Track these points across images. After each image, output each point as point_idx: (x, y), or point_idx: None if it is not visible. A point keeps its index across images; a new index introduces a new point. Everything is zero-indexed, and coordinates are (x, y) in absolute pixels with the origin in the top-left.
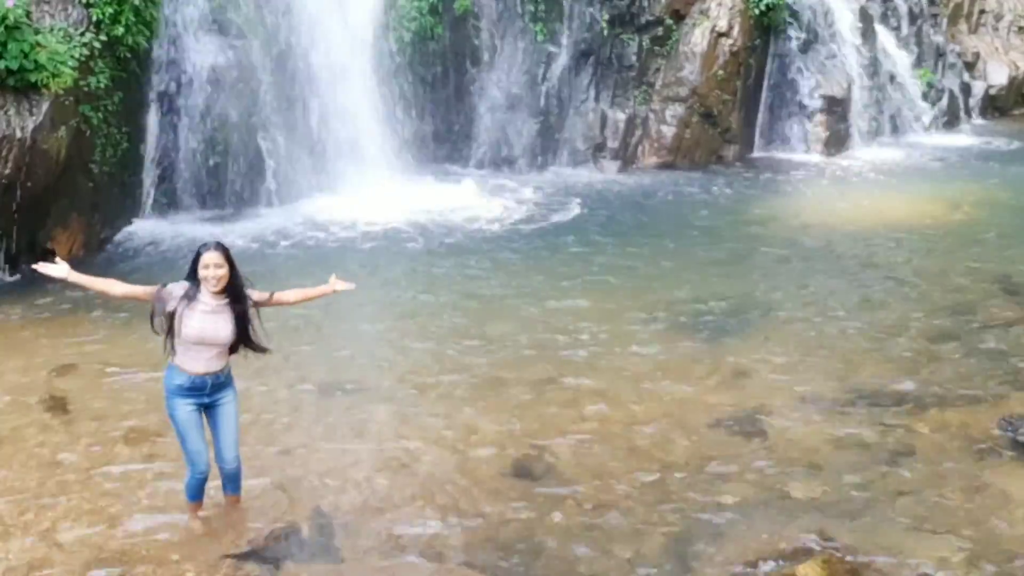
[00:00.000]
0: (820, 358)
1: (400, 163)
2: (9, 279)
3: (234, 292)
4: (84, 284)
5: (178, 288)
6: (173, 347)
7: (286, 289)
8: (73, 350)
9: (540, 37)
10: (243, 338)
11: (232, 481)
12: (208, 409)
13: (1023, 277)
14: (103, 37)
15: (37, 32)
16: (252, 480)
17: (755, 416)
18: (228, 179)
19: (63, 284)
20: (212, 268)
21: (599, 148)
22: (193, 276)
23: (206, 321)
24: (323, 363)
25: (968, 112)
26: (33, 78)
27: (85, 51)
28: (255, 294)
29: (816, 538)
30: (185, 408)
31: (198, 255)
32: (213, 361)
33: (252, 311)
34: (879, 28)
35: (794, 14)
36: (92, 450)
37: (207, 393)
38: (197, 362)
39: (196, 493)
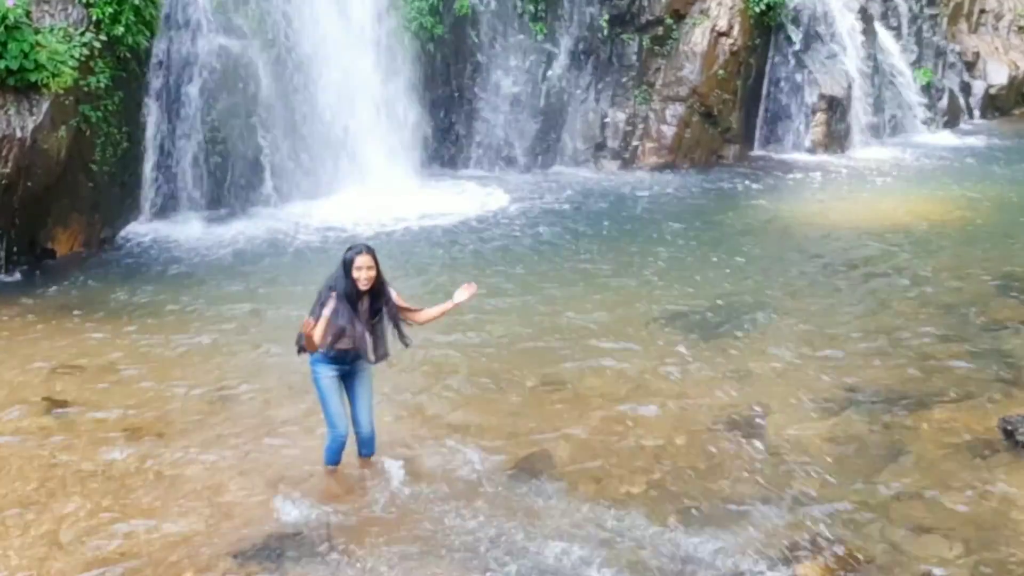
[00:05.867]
0: (820, 358)
1: (400, 163)
2: (9, 279)
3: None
4: None
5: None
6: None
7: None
8: (73, 350)
9: (540, 37)
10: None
11: (367, 444)
12: (347, 378)
13: (1023, 277)
14: (103, 37)
15: (37, 32)
16: (250, 480)
17: (755, 416)
18: (228, 179)
19: (63, 284)
20: (364, 270)
21: (599, 148)
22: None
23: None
24: None
25: (968, 112)
26: (33, 78)
27: (85, 51)
28: (397, 299)
29: (816, 538)
30: (328, 375)
31: (351, 259)
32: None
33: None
34: (879, 28)
35: (794, 14)
36: (92, 450)
37: (348, 362)
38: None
39: (335, 457)
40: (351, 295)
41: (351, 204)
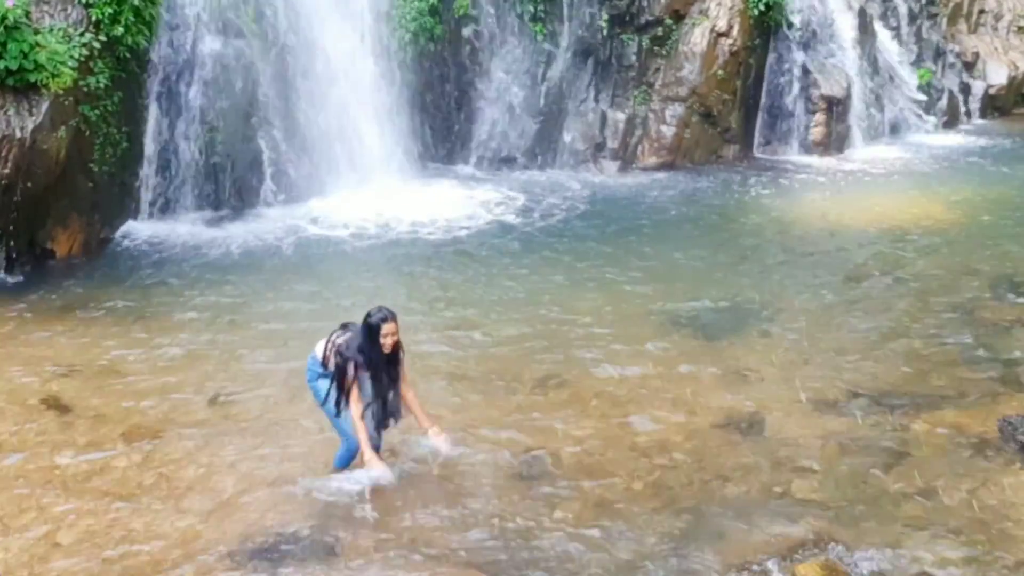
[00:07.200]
0: (820, 358)
1: (399, 163)
2: (8, 279)
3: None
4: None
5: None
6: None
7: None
8: (73, 350)
9: (540, 37)
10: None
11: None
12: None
13: (1023, 277)
14: (103, 37)
15: (37, 32)
16: (250, 481)
17: (755, 416)
18: (227, 179)
19: (62, 284)
20: (390, 336)
21: (599, 148)
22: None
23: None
24: None
25: (968, 112)
26: (33, 78)
27: (85, 51)
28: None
29: (816, 538)
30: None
31: (377, 324)
32: None
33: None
34: (878, 28)
35: (793, 14)
36: (92, 450)
37: None
38: None
39: (345, 465)
40: (378, 363)
41: (351, 205)
